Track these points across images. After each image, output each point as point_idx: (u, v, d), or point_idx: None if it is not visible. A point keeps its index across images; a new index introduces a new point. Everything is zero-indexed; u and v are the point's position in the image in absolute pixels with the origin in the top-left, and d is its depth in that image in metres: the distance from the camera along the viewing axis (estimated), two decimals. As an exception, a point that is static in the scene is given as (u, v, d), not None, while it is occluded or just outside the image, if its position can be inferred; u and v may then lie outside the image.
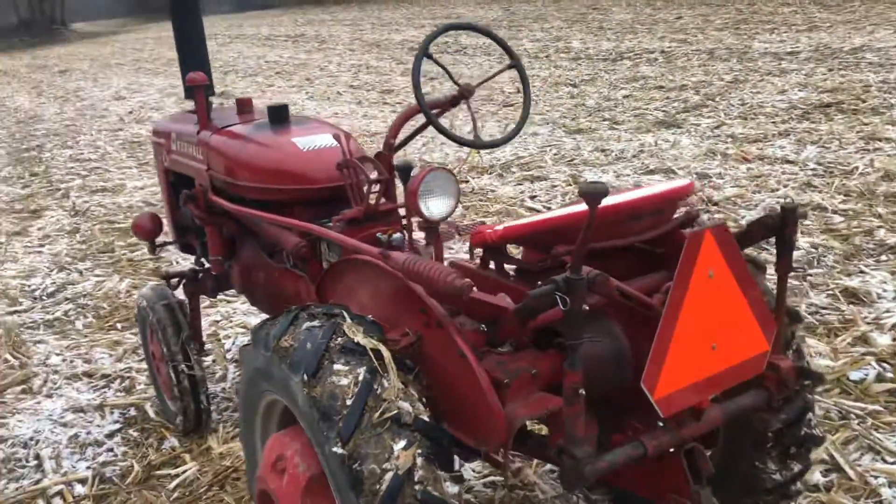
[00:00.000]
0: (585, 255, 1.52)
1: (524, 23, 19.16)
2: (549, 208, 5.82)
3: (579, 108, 9.49)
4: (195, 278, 3.29)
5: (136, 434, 3.36)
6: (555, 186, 6.37)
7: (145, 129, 10.91)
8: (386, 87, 12.91)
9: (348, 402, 1.64)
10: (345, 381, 1.67)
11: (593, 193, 1.42)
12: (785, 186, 5.59)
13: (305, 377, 1.70)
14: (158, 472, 3.08)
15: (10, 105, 15.59)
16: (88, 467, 3.12)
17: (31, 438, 3.34)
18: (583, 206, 1.83)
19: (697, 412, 1.78)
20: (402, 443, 1.62)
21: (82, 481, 3.03)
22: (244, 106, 3.04)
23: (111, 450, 3.25)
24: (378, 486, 1.59)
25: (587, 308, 1.53)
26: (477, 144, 2.45)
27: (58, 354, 4.12)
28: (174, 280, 3.28)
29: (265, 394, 2.01)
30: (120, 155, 9.61)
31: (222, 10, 38.74)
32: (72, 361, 4.03)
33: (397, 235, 2.34)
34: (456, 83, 2.51)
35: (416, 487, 1.61)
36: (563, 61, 13.42)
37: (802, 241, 4.51)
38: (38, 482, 3.05)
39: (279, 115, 2.80)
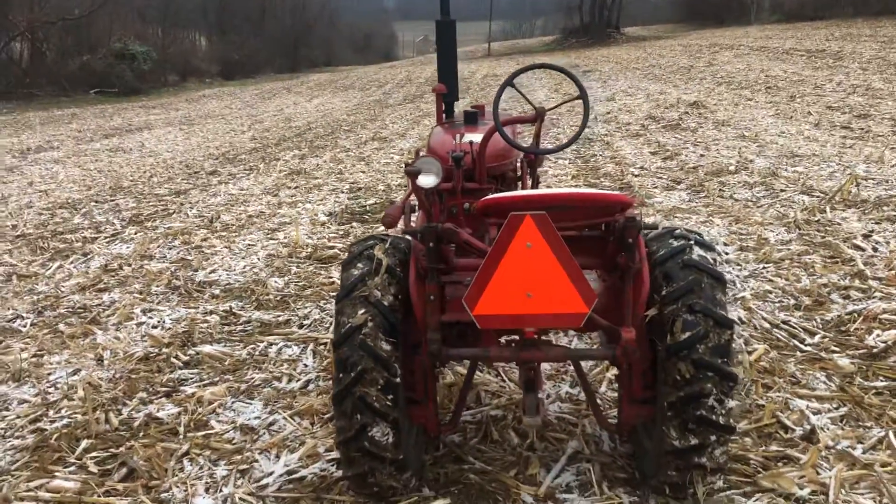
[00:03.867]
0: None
1: None
2: (873, 249, 5.36)
3: None
4: None
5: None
6: (908, 231, 5.72)
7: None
8: (865, 111, 11.97)
9: (348, 283, 2.62)
10: (355, 272, 2.66)
11: (413, 172, 2.25)
12: None
13: (341, 266, 2.74)
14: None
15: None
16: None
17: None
18: (563, 190, 2.48)
19: (536, 343, 2.41)
20: (362, 310, 2.56)
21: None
22: (474, 108, 4.02)
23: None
24: (341, 330, 2.57)
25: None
26: (531, 151, 3.36)
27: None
28: None
29: None
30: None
31: (772, 20, 38.23)
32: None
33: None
34: (533, 106, 3.33)
35: (360, 337, 2.53)
36: None
37: None
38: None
39: (469, 117, 3.80)
